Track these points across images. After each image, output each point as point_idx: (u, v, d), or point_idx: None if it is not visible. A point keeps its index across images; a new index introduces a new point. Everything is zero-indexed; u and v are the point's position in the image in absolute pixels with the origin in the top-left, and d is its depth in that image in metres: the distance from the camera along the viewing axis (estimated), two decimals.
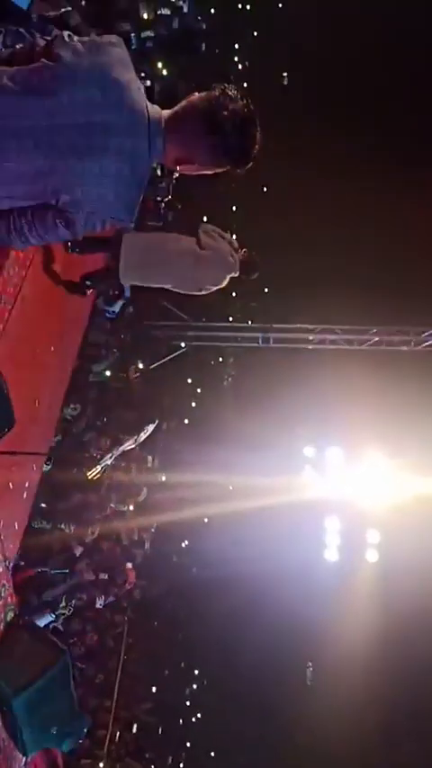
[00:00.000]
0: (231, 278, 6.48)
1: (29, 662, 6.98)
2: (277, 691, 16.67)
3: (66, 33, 2.20)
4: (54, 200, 2.12)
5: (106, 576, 10.83)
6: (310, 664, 15.00)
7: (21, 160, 2.06)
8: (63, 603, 8.70)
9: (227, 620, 16.11)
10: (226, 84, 2.20)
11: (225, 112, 2.14)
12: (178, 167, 2.28)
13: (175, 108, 2.22)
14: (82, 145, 2.08)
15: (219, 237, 6.36)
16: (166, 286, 6.60)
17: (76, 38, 2.20)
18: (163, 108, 2.26)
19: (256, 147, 2.23)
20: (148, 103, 2.19)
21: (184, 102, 2.21)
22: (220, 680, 17.16)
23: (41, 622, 8.12)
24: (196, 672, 17.51)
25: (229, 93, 2.18)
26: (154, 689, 14.50)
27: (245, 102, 2.19)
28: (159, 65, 11.10)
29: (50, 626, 8.59)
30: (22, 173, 2.08)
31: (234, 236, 6.69)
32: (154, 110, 2.19)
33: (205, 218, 14.70)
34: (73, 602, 8.92)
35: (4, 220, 2.18)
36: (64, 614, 8.65)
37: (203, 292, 6.52)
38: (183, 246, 6.43)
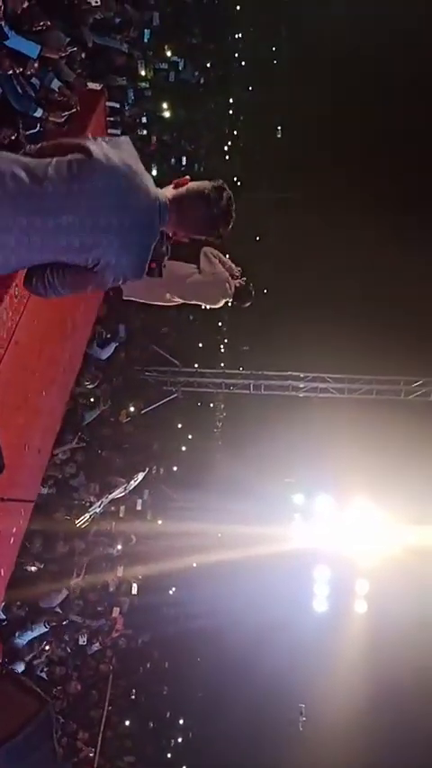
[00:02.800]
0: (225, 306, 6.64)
1: (11, 713, 6.81)
2: (264, 742, 16.30)
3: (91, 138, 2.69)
4: (93, 266, 2.60)
5: (93, 622, 10.68)
6: (303, 706, 14.65)
7: (70, 237, 2.53)
8: (39, 649, 8.60)
9: (214, 670, 15.85)
10: (220, 182, 2.80)
11: (218, 208, 2.76)
12: (173, 235, 2.85)
13: (177, 192, 2.78)
14: (116, 223, 2.57)
15: (218, 264, 6.51)
16: (165, 302, 6.74)
17: (98, 138, 2.71)
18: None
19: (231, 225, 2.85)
20: (158, 190, 2.72)
21: (184, 192, 2.78)
22: (206, 731, 16.80)
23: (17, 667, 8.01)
24: (181, 722, 17.13)
25: (221, 189, 2.77)
26: (137, 741, 14.15)
27: (229, 196, 2.79)
28: (159, 110, 11.35)
29: (36, 672, 8.47)
30: (69, 244, 2.54)
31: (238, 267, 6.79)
32: (161, 193, 2.73)
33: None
34: (46, 647, 8.81)
35: (37, 273, 2.65)
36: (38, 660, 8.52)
37: (198, 303, 6.68)
38: (180, 269, 6.57)
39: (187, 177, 2.83)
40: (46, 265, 2.62)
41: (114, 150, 2.65)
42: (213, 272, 6.51)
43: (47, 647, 8.94)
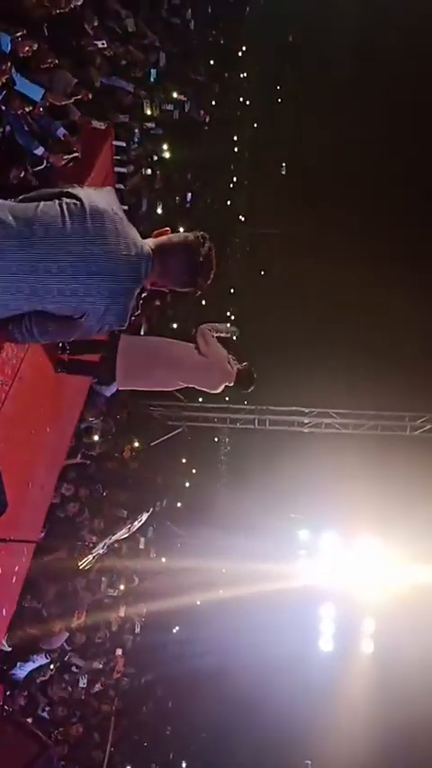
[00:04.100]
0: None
1: (11, 756, 6.68)
2: None
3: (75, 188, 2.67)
4: (79, 315, 2.57)
5: (94, 663, 10.52)
6: (309, 763, 14.32)
7: (61, 283, 2.49)
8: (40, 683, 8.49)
9: (218, 710, 15.55)
10: (201, 233, 2.79)
11: (200, 258, 2.75)
12: (152, 285, 2.81)
13: (158, 243, 2.74)
14: (107, 269, 2.54)
15: (215, 343, 6.33)
16: (162, 389, 6.61)
17: (83, 186, 2.70)
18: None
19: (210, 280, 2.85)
20: (142, 240, 2.70)
21: (165, 241, 2.75)
22: None
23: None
24: (184, 765, 16.77)
25: (202, 240, 2.76)
26: None
27: (210, 247, 2.78)
28: (164, 148, 11.45)
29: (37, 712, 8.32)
30: (60, 292, 2.50)
31: (233, 327, 6.63)
32: (145, 242, 2.70)
33: (204, 302, 15.02)
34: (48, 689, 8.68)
35: (14, 320, 2.57)
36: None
37: (200, 389, 6.50)
38: (180, 352, 6.39)
39: (167, 228, 2.82)
40: (24, 312, 2.56)
41: (101, 196, 2.64)
42: (212, 353, 6.28)
43: (48, 690, 8.80)
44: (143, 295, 2.77)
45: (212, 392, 6.47)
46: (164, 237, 2.77)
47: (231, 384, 6.34)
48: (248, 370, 6.37)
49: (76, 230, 2.51)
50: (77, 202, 2.55)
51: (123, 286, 2.58)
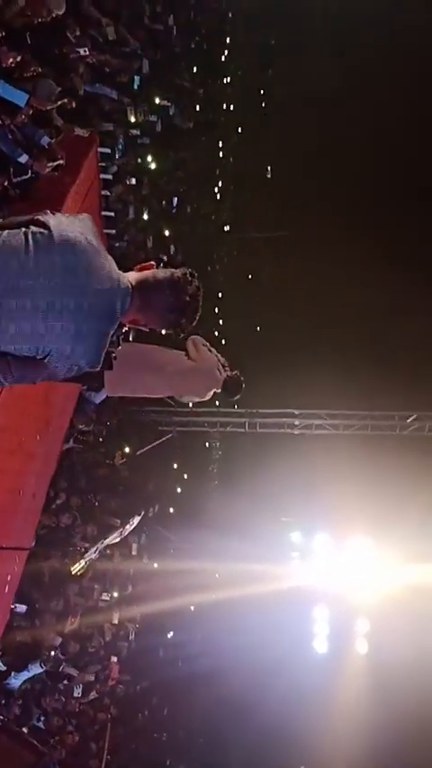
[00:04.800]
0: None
1: (7, 766, 6.69)
2: None
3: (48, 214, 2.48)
4: (43, 356, 2.35)
5: (89, 671, 10.48)
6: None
7: (20, 322, 2.28)
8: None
9: (214, 716, 15.54)
10: (189, 270, 2.60)
11: (186, 297, 2.56)
12: (131, 323, 2.63)
13: (141, 277, 2.56)
14: (73, 306, 2.33)
15: (205, 349, 6.27)
16: (150, 396, 6.58)
17: (56, 213, 2.49)
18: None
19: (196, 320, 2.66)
20: (120, 272, 2.52)
21: (150, 277, 2.56)
22: None
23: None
24: None
25: (188, 277, 2.57)
26: None
27: (198, 286, 2.59)
28: (149, 159, 11.47)
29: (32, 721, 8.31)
30: (19, 331, 2.29)
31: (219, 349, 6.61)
32: (124, 276, 2.52)
33: None
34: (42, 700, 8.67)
35: None
36: None
37: (185, 400, 6.48)
38: (169, 357, 6.40)
39: (152, 263, 2.67)
40: None
41: (74, 225, 2.45)
42: (202, 359, 6.28)
43: (42, 701, 8.79)
44: (123, 330, 2.62)
45: (201, 399, 6.48)
46: (148, 272, 2.60)
47: (219, 390, 6.34)
48: (237, 377, 6.37)
49: (40, 263, 2.30)
50: (45, 231, 2.36)
51: (92, 324, 2.37)
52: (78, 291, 2.34)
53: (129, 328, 2.72)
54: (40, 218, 2.41)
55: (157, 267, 2.65)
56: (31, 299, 2.28)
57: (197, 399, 6.47)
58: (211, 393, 6.36)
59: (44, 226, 2.38)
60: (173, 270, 2.61)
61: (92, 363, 2.43)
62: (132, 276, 2.56)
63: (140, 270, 2.61)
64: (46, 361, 2.36)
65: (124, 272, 2.56)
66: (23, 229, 2.36)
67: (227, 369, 6.33)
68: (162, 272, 2.59)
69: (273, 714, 14.49)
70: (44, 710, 9.25)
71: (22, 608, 8.04)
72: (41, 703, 9.17)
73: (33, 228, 2.37)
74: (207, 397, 6.41)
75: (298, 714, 14.56)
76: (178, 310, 2.58)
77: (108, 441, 11.93)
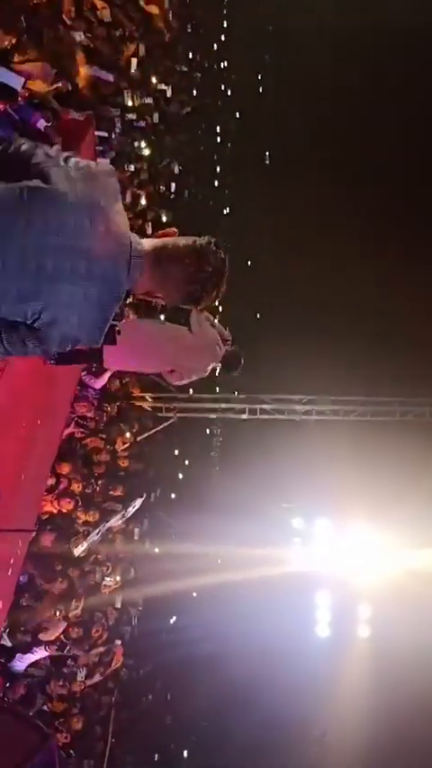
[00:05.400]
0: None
1: (13, 747, 6.69)
2: None
3: (56, 151, 2.28)
4: (31, 320, 2.11)
5: (93, 655, 10.53)
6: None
7: (5, 282, 2.05)
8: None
9: (217, 699, 15.62)
10: (213, 239, 2.33)
11: (209, 268, 2.29)
12: (145, 294, 2.37)
13: (158, 244, 2.29)
14: (68, 269, 2.09)
15: (207, 324, 6.22)
16: (150, 371, 6.53)
17: (72, 160, 2.26)
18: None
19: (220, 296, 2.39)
20: (133, 235, 2.26)
21: (170, 244, 2.30)
22: (211, 763, 16.50)
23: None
24: (185, 754, 16.84)
25: (212, 247, 2.31)
26: None
27: (224, 257, 2.32)
28: (144, 144, 11.44)
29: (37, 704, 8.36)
30: (3, 292, 2.06)
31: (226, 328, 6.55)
32: (137, 241, 2.25)
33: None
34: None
35: None
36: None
37: (185, 381, 6.44)
38: (170, 332, 6.35)
39: (174, 229, 2.39)
40: None
41: (84, 180, 2.20)
42: (203, 333, 6.23)
43: (47, 687, 8.83)
44: (128, 301, 2.34)
45: (201, 375, 6.45)
46: (168, 239, 2.33)
47: (219, 366, 6.32)
48: (236, 352, 6.35)
49: (32, 220, 2.07)
50: (45, 184, 2.12)
51: (94, 293, 2.14)
52: (75, 255, 2.11)
53: (139, 300, 2.51)
54: (42, 167, 2.18)
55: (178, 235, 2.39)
56: (19, 261, 2.05)
57: (195, 377, 6.43)
58: (210, 368, 6.32)
59: (45, 178, 2.15)
60: (195, 237, 2.35)
61: (90, 339, 2.20)
62: (149, 243, 2.30)
63: (161, 237, 2.37)
64: (38, 328, 2.12)
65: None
66: (18, 183, 2.13)
67: (228, 343, 6.31)
68: (184, 240, 2.33)
69: (275, 698, 14.57)
70: (48, 696, 9.31)
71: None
72: (45, 689, 9.23)
73: (31, 182, 2.13)
74: (206, 373, 6.38)
75: (302, 697, 14.64)
76: (198, 283, 2.30)
77: (108, 427, 11.93)
